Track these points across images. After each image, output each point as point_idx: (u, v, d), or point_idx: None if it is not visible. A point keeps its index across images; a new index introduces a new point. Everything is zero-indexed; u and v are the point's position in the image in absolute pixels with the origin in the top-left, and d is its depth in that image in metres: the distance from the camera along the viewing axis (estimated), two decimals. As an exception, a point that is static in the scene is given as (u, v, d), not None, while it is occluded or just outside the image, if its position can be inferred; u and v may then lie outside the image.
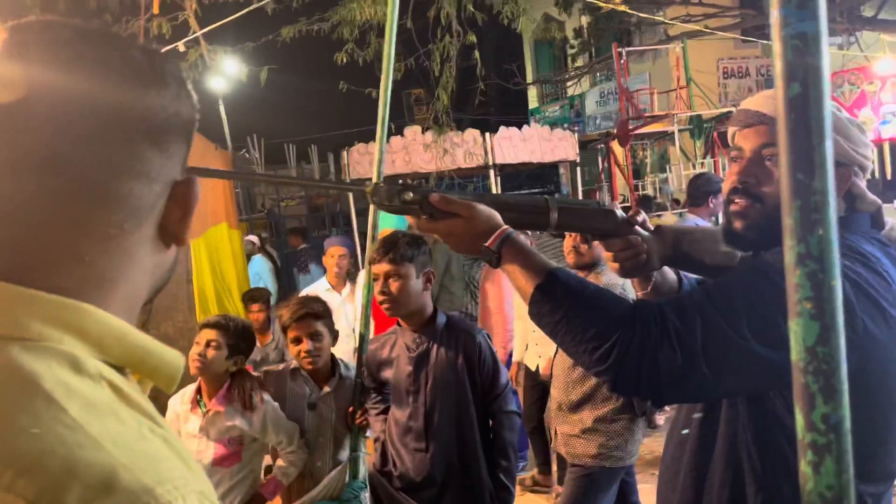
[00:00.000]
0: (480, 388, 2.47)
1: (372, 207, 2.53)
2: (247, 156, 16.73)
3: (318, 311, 2.59)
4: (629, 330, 1.09)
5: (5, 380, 0.54)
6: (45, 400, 0.54)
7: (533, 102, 19.33)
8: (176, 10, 5.05)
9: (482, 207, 1.25)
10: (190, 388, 2.55)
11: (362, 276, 3.54)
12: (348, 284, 4.36)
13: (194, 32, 4.58)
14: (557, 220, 1.31)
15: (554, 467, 4.16)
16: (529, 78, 18.82)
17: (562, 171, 14.60)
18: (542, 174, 17.97)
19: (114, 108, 0.62)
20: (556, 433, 3.11)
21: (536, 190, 19.56)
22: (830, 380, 0.56)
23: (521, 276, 1.20)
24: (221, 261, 6.70)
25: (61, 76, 0.60)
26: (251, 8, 3.77)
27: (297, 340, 2.58)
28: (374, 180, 2.62)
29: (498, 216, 1.26)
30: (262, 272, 6.93)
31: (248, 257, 7.38)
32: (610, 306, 1.15)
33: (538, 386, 4.33)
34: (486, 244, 1.22)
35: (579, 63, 16.07)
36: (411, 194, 1.24)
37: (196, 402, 2.51)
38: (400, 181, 1.29)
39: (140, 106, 0.63)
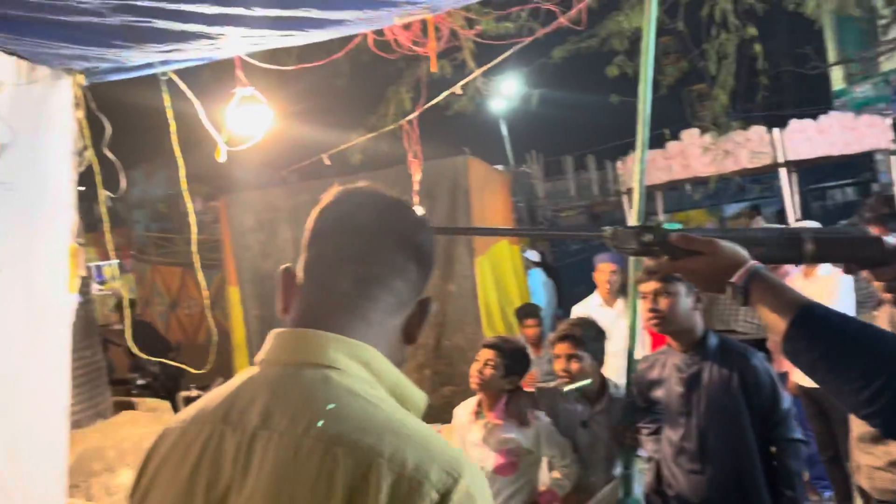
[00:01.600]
0: (759, 414, 2.37)
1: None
2: (527, 171, 17.42)
3: (578, 336, 2.70)
4: None
5: (336, 389, 0.83)
6: (371, 405, 0.82)
7: (838, 83, 17.09)
8: (454, 51, 5.55)
9: (725, 244, 1.21)
10: (472, 401, 2.82)
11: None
12: (620, 300, 4.36)
13: (472, 71, 4.98)
14: (813, 251, 1.23)
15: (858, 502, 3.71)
16: (832, 58, 16.67)
17: (879, 157, 12.68)
18: (853, 165, 15.80)
19: (406, 235, 0.96)
20: (857, 466, 2.81)
21: (847, 181, 17.22)
22: None
23: (773, 313, 1.14)
24: (504, 276, 7.12)
25: (377, 213, 0.95)
26: (523, 43, 4.00)
27: (558, 359, 2.73)
28: (635, 196, 2.63)
29: (743, 252, 1.21)
30: (536, 286, 7.18)
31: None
32: (879, 342, 1.05)
33: (823, 414, 3.93)
34: (732, 281, 1.18)
35: (894, 34, 13.85)
36: (650, 236, 1.25)
37: (477, 413, 2.77)
38: (639, 224, 1.31)
39: (418, 238, 0.97)
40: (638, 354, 2.73)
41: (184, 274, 11.46)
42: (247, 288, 6.06)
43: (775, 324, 1.14)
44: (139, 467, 0.92)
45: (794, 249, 1.25)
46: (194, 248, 2.72)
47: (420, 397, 0.92)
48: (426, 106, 4.43)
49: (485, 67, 4.32)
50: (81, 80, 2.50)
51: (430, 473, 0.76)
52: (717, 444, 2.37)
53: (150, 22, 1.94)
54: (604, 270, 4.44)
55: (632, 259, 2.71)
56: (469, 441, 2.76)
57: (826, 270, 4.09)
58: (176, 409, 4.87)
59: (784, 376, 4.32)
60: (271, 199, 6.17)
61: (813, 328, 1.10)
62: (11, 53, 2.26)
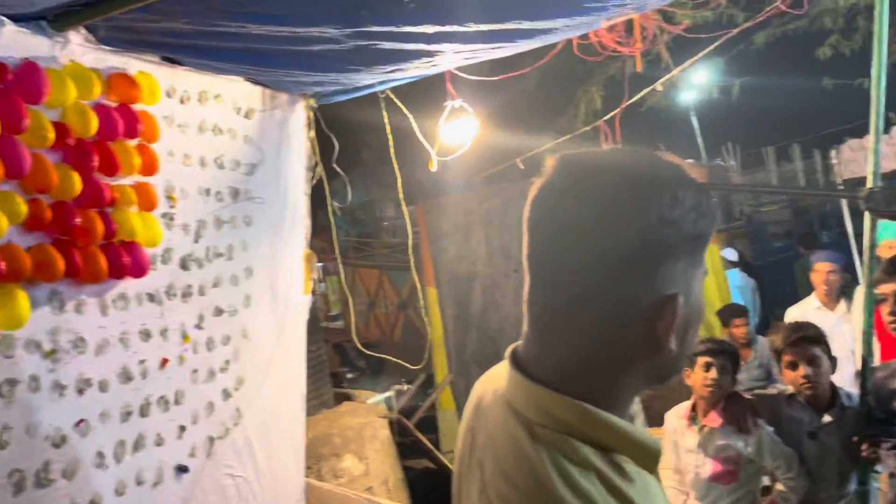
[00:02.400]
0: None
1: (867, 215, 2.32)
2: (722, 164, 16.39)
3: (814, 336, 2.51)
4: None
5: (523, 462, 0.74)
6: (543, 490, 0.71)
7: None
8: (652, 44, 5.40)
9: None
10: (685, 405, 2.72)
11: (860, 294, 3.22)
12: (843, 302, 3.98)
13: (665, 64, 4.83)
14: None
15: None
16: None
17: None
18: None
19: (630, 245, 0.72)
20: None
21: None
22: None
23: None
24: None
25: (590, 224, 0.74)
26: (731, 34, 3.80)
27: (794, 365, 2.53)
28: (869, 184, 2.39)
29: None
30: (732, 287, 6.80)
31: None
32: None
33: None
34: None
35: None
36: None
37: (691, 418, 2.67)
38: None
39: (621, 237, 0.72)
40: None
41: (380, 275, 12.20)
42: (444, 289, 6.33)
43: None
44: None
45: None
46: (410, 251, 2.93)
47: (652, 445, 0.78)
48: (627, 103, 4.36)
49: (690, 62, 4.15)
50: (313, 102, 2.78)
51: None
52: (976, 465, 2.11)
53: (378, 44, 2.12)
54: (821, 271, 4.09)
55: (865, 257, 2.48)
56: (683, 447, 2.67)
57: None
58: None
59: None
60: (465, 202, 6.39)
61: None
62: (258, 83, 2.58)
